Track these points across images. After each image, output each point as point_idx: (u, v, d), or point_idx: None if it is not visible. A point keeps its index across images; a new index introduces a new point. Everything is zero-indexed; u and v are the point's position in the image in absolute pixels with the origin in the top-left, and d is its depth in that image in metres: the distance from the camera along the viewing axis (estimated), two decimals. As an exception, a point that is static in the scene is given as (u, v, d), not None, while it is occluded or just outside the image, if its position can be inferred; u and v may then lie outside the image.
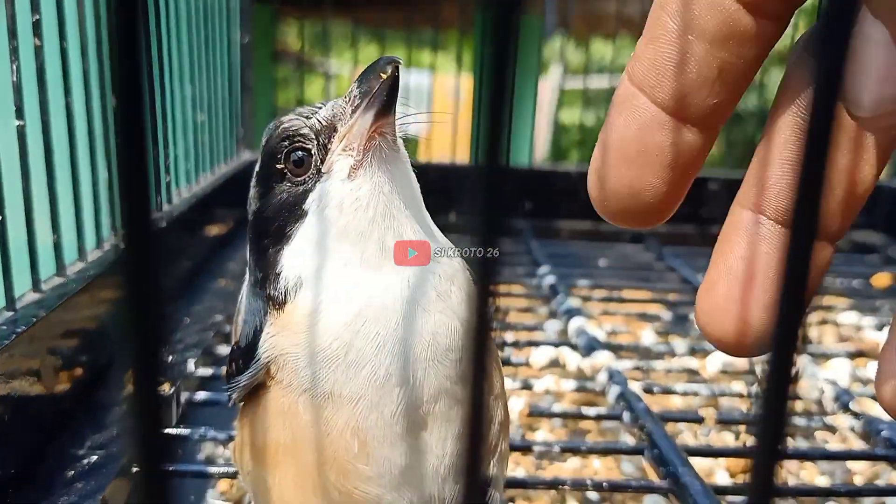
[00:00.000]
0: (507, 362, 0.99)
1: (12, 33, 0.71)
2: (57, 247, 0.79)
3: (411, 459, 0.50)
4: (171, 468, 0.17)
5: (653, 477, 0.78)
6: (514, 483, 0.74)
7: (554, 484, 0.73)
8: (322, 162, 0.51)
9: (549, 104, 3.53)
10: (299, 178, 0.51)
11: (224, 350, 1.00)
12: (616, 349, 1.04)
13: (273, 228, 0.51)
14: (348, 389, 0.48)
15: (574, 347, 1.03)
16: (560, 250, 1.56)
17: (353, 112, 0.49)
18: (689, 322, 1.22)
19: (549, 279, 1.31)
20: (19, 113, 0.72)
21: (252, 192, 0.54)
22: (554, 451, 0.78)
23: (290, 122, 0.52)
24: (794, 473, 0.87)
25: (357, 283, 0.49)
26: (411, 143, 0.55)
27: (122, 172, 0.17)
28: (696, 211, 1.73)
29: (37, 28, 0.75)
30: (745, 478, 0.86)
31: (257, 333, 0.52)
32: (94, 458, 0.69)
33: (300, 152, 0.51)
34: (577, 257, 1.48)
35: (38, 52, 0.75)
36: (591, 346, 1.00)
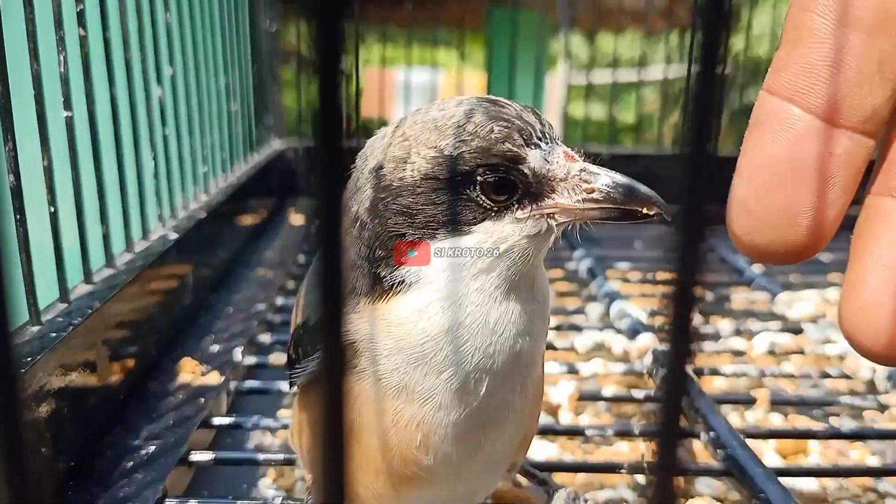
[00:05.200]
0: (550, 346, 0.98)
1: (58, 24, 0.70)
2: (106, 238, 0.79)
3: (467, 456, 0.53)
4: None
5: (705, 459, 0.77)
6: (567, 467, 0.74)
7: (610, 468, 0.73)
8: (520, 207, 0.49)
9: (559, 99, 3.53)
10: (486, 201, 0.49)
11: (268, 339, 1.00)
12: (659, 331, 1.03)
13: (424, 217, 0.49)
14: (422, 387, 0.50)
15: (618, 331, 1.02)
16: (594, 233, 1.55)
17: (587, 201, 0.50)
18: (730, 302, 1.21)
19: (586, 262, 1.30)
20: (67, 104, 0.71)
21: (419, 162, 0.49)
22: (608, 434, 0.78)
23: (514, 151, 0.48)
24: (843, 453, 0.86)
25: (472, 299, 0.49)
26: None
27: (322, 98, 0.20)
28: (728, 191, 1.70)
29: (81, 18, 0.75)
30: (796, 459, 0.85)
31: None
32: (152, 448, 0.69)
33: (505, 183, 0.49)
34: (611, 239, 1.47)
35: (84, 42, 0.75)
36: (635, 329, 0.99)
